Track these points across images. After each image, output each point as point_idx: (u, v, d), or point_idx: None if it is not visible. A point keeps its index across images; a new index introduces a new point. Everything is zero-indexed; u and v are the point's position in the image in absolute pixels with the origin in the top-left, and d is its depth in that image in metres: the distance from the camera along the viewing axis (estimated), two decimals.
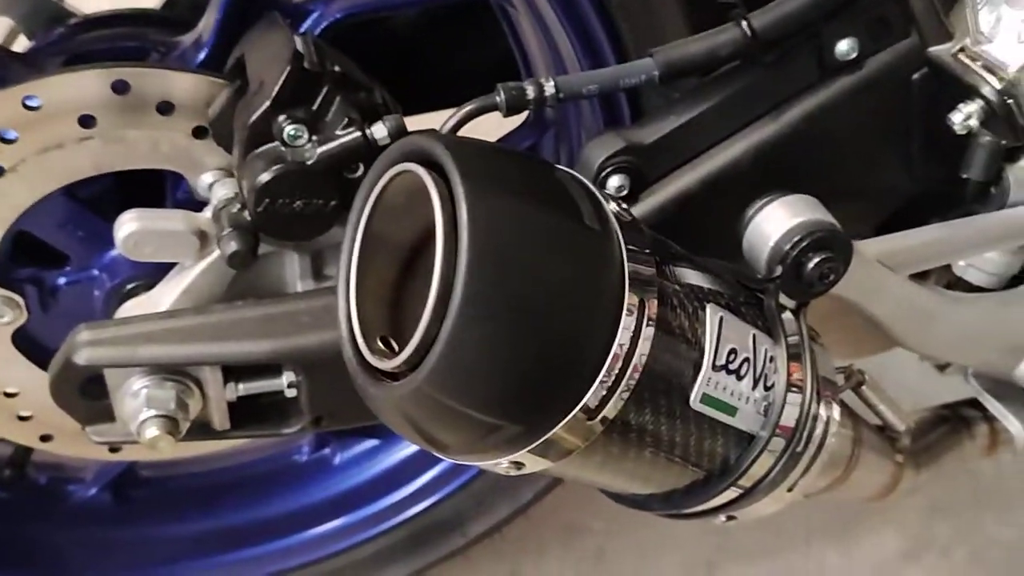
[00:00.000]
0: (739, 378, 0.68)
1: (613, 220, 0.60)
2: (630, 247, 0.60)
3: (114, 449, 1.00)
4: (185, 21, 0.95)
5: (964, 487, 1.63)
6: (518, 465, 0.62)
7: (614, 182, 0.81)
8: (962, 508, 1.60)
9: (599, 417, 0.59)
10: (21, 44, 1.03)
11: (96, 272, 0.90)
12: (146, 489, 1.20)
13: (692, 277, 0.68)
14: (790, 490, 0.77)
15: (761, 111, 0.83)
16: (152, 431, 0.77)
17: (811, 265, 0.74)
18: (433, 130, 0.63)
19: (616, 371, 0.58)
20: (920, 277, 0.95)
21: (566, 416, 0.58)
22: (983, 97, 0.69)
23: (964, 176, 0.86)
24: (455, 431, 0.58)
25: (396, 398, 0.57)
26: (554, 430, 0.59)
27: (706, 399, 0.65)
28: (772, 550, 1.52)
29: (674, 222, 0.83)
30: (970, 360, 0.98)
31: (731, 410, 0.68)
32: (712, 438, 0.68)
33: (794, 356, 0.72)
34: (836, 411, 0.77)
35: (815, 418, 0.74)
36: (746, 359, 0.68)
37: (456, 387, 0.55)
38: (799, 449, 0.74)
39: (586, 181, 0.63)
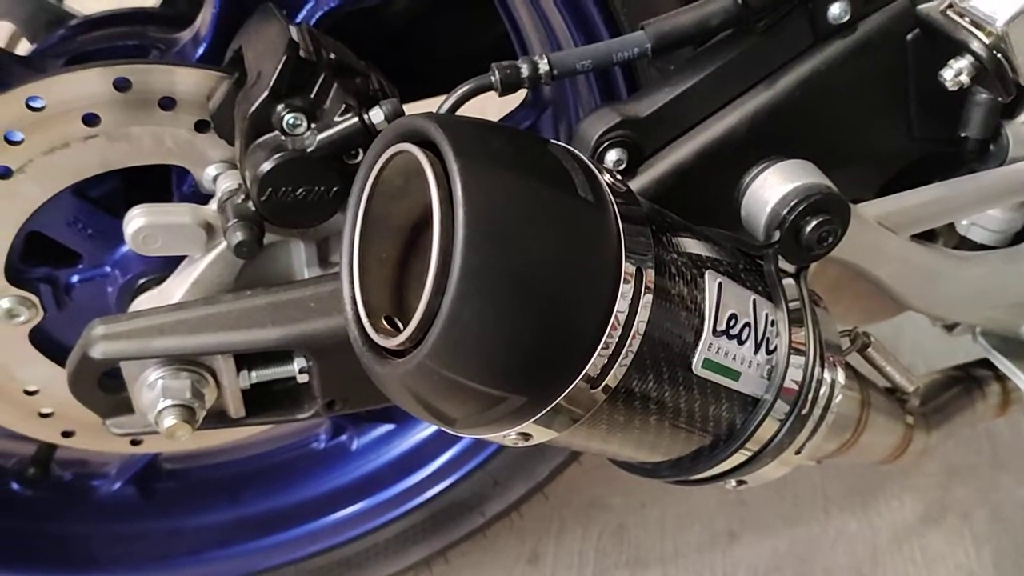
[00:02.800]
0: (740, 343, 0.68)
1: (608, 191, 0.61)
2: (625, 217, 0.61)
3: (136, 442, 1.02)
4: (184, 17, 0.96)
5: (982, 449, 1.64)
6: (525, 436, 0.63)
7: (612, 156, 0.82)
8: (980, 470, 1.61)
9: (602, 385, 0.60)
10: (23, 48, 1.05)
11: (108, 268, 0.91)
12: (170, 481, 1.22)
13: (691, 246, 0.69)
14: (798, 452, 0.78)
15: (756, 79, 0.83)
16: (170, 420, 0.79)
17: (809, 228, 0.75)
18: (428, 111, 0.64)
19: (616, 339, 0.59)
20: (927, 237, 0.96)
21: (569, 386, 0.59)
22: (972, 52, 0.69)
23: (963, 135, 0.87)
24: (461, 404, 0.59)
25: (401, 375, 0.58)
26: (557, 400, 0.60)
27: (708, 364, 0.66)
28: (792, 520, 1.53)
29: (674, 193, 0.83)
30: (977, 318, 0.98)
31: (734, 374, 0.69)
32: (716, 403, 0.69)
33: (796, 320, 0.73)
34: (841, 373, 0.78)
35: (819, 381, 0.75)
36: (747, 324, 0.69)
37: (458, 360, 0.56)
38: (804, 411, 0.74)
39: (580, 154, 0.63)
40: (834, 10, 0.81)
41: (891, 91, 0.86)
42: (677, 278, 0.64)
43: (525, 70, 0.76)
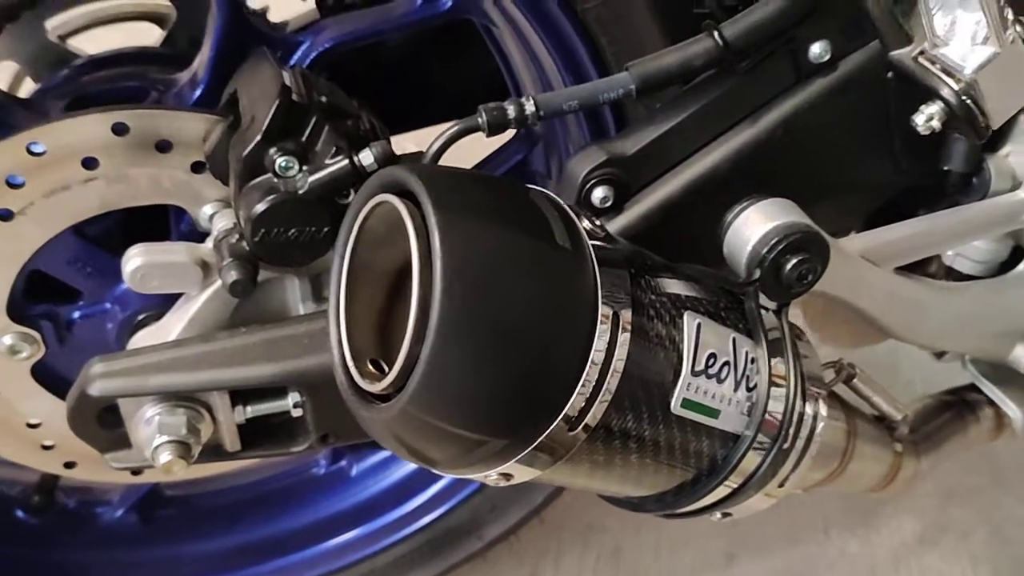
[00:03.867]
0: (720, 381, 0.70)
1: (585, 237, 0.63)
2: (602, 261, 0.62)
3: (136, 472, 1.04)
4: (184, 56, 0.98)
5: (981, 470, 1.64)
6: (507, 476, 0.64)
7: (598, 194, 0.83)
8: (979, 490, 1.61)
9: (581, 426, 0.62)
10: (27, 86, 1.07)
11: (108, 305, 0.93)
12: (171, 508, 1.24)
13: (671, 286, 0.71)
14: (782, 485, 0.80)
15: (740, 117, 0.85)
16: (166, 456, 0.80)
17: (789, 267, 0.76)
18: (412, 160, 0.66)
19: (594, 381, 0.61)
20: (921, 268, 0.97)
21: (548, 427, 0.61)
22: (942, 99, 0.70)
23: (945, 168, 0.88)
24: (441, 448, 0.61)
25: (385, 419, 0.60)
26: (537, 441, 0.61)
27: (687, 403, 0.68)
28: (789, 541, 1.54)
29: (660, 229, 0.85)
30: (963, 347, 0.99)
31: (713, 412, 0.70)
32: (697, 440, 0.71)
33: (776, 356, 0.74)
34: (823, 406, 0.79)
35: (801, 415, 0.77)
36: (726, 362, 0.70)
37: (439, 407, 0.57)
38: (786, 446, 0.76)
39: (559, 201, 0.65)
40: (815, 49, 0.83)
41: (874, 126, 0.87)
42: (655, 319, 0.66)
43: (512, 111, 0.78)
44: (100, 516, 1.21)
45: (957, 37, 0.68)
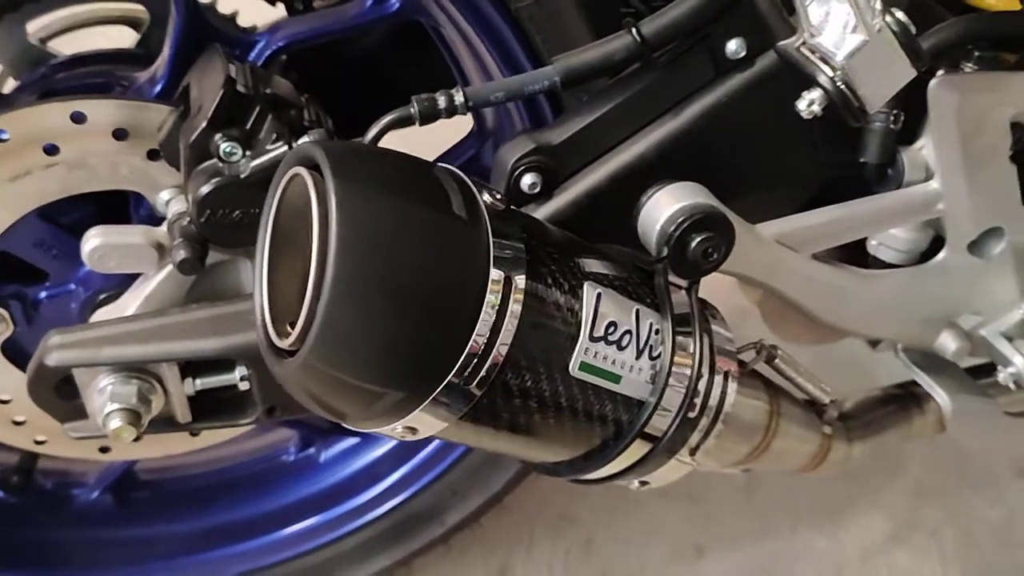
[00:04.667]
0: (620, 348, 0.74)
1: (483, 208, 0.68)
2: (497, 232, 0.67)
3: (104, 449, 1.09)
4: (152, 57, 1.04)
5: (951, 469, 1.67)
6: (412, 430, 0.69)
7: (527, 180, 0.89)
8: (950, 490, 1.64)
9: (476, 381, 0.67)
10: (9, 85, 1.14)
11: (72, 286, 0.99)
12: (145, 491, 1.30)
13: (579, 260, 0.75)
14: (693, 454, 0.84)
15: (663, 109, 0.90)
16: (115, 422, 0.86)
17: (693, 244, 0.80)
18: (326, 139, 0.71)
19: (485, 339, 0.66)
20: (854, 258, 1.01)
21: (441, 382, 0.65)
22: (820, 85, 0.75)
23: (862, 160, 0.93)
24: (344, 399, 0.66)
25: (291, 372, 0.65)
26: (434, 395, 0.66)
27: (585, 367, 0.72)
28: (759, 535, 1.57)
29: (588, 214, 0.90)
30: (889, 333, 1.03)
31: (614, 377, 0.75)
32: (600, 404, 0.75)
33: (682, 329, 0.79)
34: (733, 381, 0.83)
35: (709, 386, 0.81)
36: (627, 331, 0.75)
37: (336, 359, 0.63)
38: (692, 415, 0.80)
39: (463, 176, 0.70)
40: (731, 46, 0.87)
41: (794, 120, 0.91)
42: (553, 287, 0.70)
43: (442, 102, 0.84)
44: (76, 497, 1.26)
45: (830, 26, 0.73)
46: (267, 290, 0.70)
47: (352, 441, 1.31)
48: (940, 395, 1.07)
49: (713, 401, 0.82)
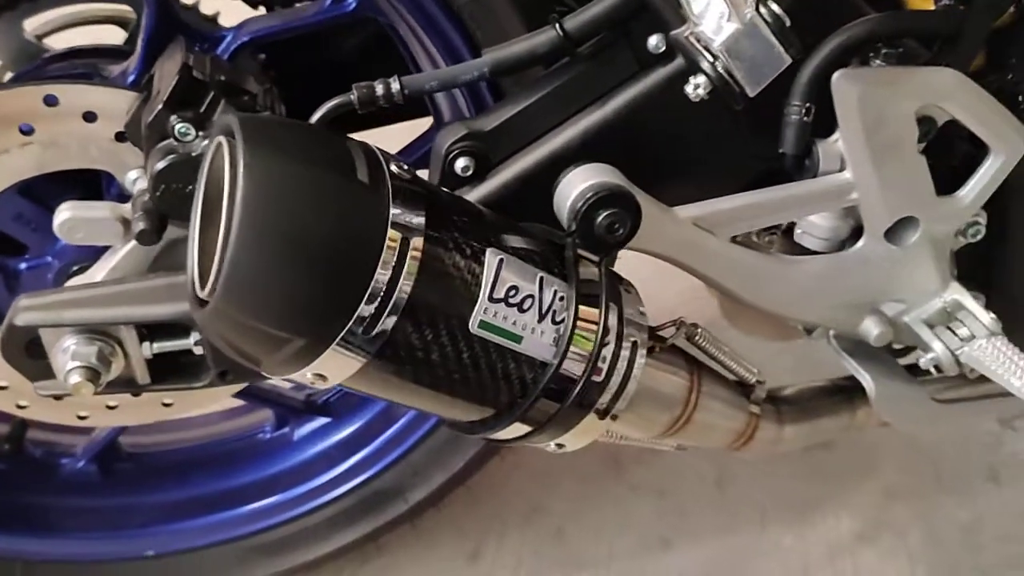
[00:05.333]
0: (521, 311, 0.81)
1: (387, 176, 0.75)
2: (398, 198, 0.74)
3: (82, 416, 1.18)
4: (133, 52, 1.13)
5: (923, 471, 1.70)
6: (321, 377, 0.76)
7: (459, 164, 0.96)
8: (921, 491, 1.67)
9: (375, 332, 0.74)
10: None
11: (49, 258, 1.08)
12: (128, 463, 1.38)
13: (498, 235, 0.82)
14: (603, 418, 0.90)
15: (590, 100, 0.96)
16: (75, 378, 0.94)
17: (599, 219, 0.86)
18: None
19: (381, 294, 0.72)
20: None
21: (340, 330, 0.72)
22: (703, 70, 0.81)
23: (781, 151, 0.99)
24: (253, 344, 0.73)
25: (204, 317, 0.72)
26: (335, 343, 0.73)
27: (485, 325, 0.79)
28: (727, 530, 1.61)
29: (519, 196, 0.96)
30: (813, 318, 1.08)
31: (515, 337, 0.81)
32: (503, 362, 0.81)
33: (588, 298, 0.85)
34: (642, 348, 0.89)
35: (616, 352, 0.87)
36: (529, 296, 0.81)
37: (240, 304, 0.70)
38: (597, 379, 0.86)
39: (373, 148, 0.78)
40: (652, 41, 0.93)
41: (718, 112, 0.97)
42: (453, 251, 0.77)
43: (380, 90, 0.91)
44: (64, 466, 1.35)
45: (709, 16, 0.79)
46: (197, 249, 0.78)
47: (323, 421, 1.39)
48: (865, 379, 1.11)
49: (620, 367, 0.87)
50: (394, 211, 0.73)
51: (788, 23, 0.78)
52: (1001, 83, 1.00)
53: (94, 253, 1.05)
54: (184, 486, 1.38)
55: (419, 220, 0.75)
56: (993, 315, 1.05)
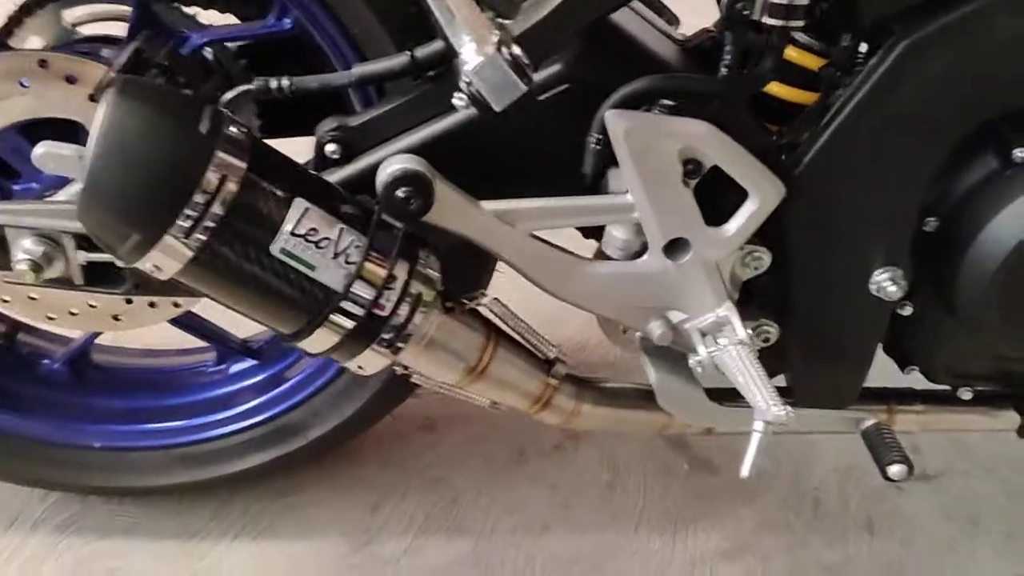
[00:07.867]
0: (318, 248, 1.07)
1: (223, 132, 1.04)
2: (227, 149, 1.03)
3: (50, 317, 1.49)
4: None
5: (802, 511, 1.85)
6: (157, 268, 1.06)
7: (329, 148, 1.24)
8: (794, 528, 1.79)
9: (191, 238, 1.03)
10: None
11: (35, 184, 1.41)
12: (96, 371, 1.70)
13: (317, 193, 1.10)
14: (391, 350, 1.16)
15: (435, 112, 1.23)
16: (21, 267, 1.26)
17: (398, 194, 1.14)
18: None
19: (197, 214, 1.01)
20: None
21: (163, 233, 1.02)
22: (460, 89, 1.08)
23: (583, 172, 1.24)
24: (106, 233, 1.03)
25: (78, 214, 1.03)
26: (161, 241, 1.02)
27: (286, 252, 1.06)
28: (604, 527, 1.79)
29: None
30: (607, 313, 1.30)
31: (310, 266, 1.07)
32: (300, 283, 1.08)
33: (379, 249, 1.12)
34: (427, 299, 1.15)
35: (400, 296, 1.13)
36: (327, 238, 1.08)
37: (95, 199, 1.00)
38: (382, 313, 1.13)
39: (224, 111, 1.07)
40: None
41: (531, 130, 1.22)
42: (267, 191, 1.04)
43: (273, 84, 1.22)
44: (43, 365, 1.66)
45: (465, 49, 1.06)
46: None
47: (252, 362, 1.69)
48: (650, 373, 1.34)
49: (403, 310, 1.14)
50: (220, 154, 1.03)
51: (526, 61, 1.05)
52: (767, 143, 1.23)
53: (65, 183, 1.37)
54: (134, 398, 1.67)
55: (241, 165, 1.04)
56: (750, 331, 1.27)
